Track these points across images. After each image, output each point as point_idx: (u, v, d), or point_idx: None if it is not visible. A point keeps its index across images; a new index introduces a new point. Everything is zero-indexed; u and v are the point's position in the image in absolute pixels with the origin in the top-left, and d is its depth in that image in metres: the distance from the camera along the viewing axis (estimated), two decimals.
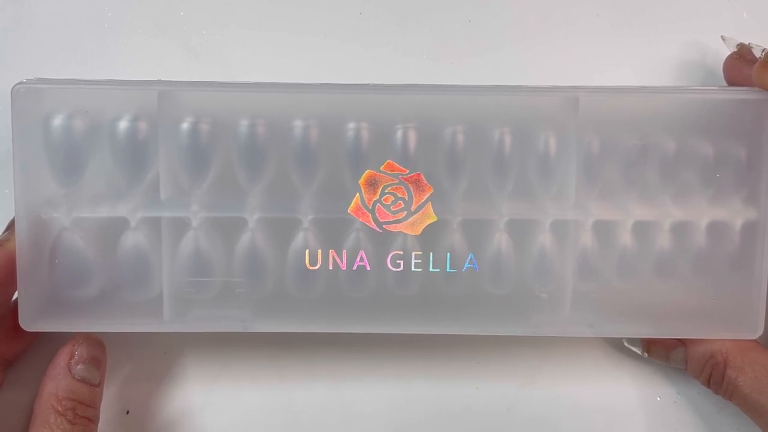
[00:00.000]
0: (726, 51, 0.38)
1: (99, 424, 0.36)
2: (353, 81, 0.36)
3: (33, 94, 0.34)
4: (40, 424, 0.34)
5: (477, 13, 0.41)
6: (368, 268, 0.36)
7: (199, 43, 0.40)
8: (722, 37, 0.39)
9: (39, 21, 0.40)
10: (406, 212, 0.36)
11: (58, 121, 0.35)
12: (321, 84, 0.35)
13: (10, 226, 0.36)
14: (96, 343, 0.36)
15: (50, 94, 0.35)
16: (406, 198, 0.36)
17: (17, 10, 0.40)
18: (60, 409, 0.34)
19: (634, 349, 0.39)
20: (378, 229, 0.36)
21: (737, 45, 0.38)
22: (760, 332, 0.37)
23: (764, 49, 0.37)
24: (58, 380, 0.35)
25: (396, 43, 0.41)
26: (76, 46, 0.40)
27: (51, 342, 0.39)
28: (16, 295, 0.36)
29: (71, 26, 0.40)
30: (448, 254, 0.36)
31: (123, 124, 0.35)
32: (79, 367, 0.35)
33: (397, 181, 0.36)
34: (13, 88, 0.34)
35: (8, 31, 0.40)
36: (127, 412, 0.40)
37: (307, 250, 0.36)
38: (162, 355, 0.40)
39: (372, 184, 0.35)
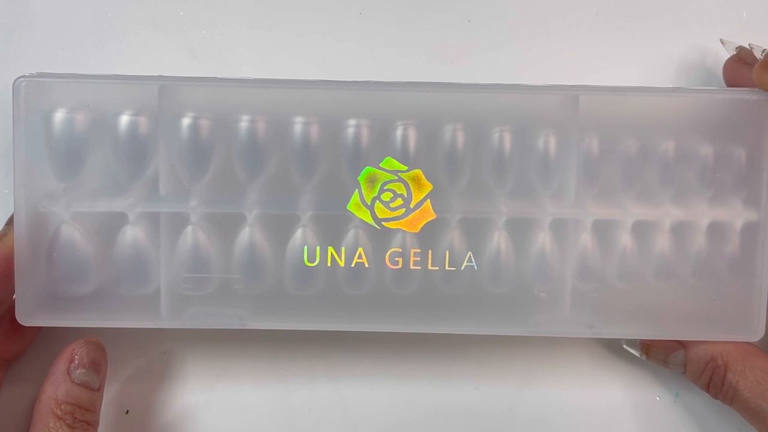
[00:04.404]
0: (726, 52, 0.39)
1: (99, 424, 0.36)
2: (353, 80, 0.36)
3: (34, 88, 0.34)
4: (39, 429, 0.34)
5: (477, 13, 0.41)
6: (367, 266, 0.36)
7: (199, 42, 0.41)
8: (721, 41, 0.39)
9: (39, 22, 0.40)
10: (405, 209, 0.36)
11: (58, 115, 0.35)
12: (322, 81, 0.35)
13: (10, 222, 0.36)
14: (96, 347, 0.36)
15: (51, 88, 0.35)
16: (405, 195, 0.36)
17: (17, 9, 0.40)
18: (59, 414, 0.34)
19: (632, 351, 0.39)
20: (377, 226, 0.36)
21: (736, 48, 0.38)
22: (760, 335, 0.37)
23: (764, 49, 0.37)
24: (58, 384, 0.35)
25: (396, 43, 0.41)
26: (75, 46, 0.40)
27: (51, 341, 0.39)
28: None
29: (71, 27, 0.40)
30: (447, 252, 0.36)
31: (123, 119, 0.35)
32: (78, 371, 0.35)
33: (397, 178, 0.36)
34: (14, 82, 0.34)
35: (9, 31, 0.40)
36: (127, 412, 0.40)
37: (306, 247, 0.36)
38: (161, 354, 0.40)
39: (371, 180, 0.36)
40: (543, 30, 0.41)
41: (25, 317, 0.35)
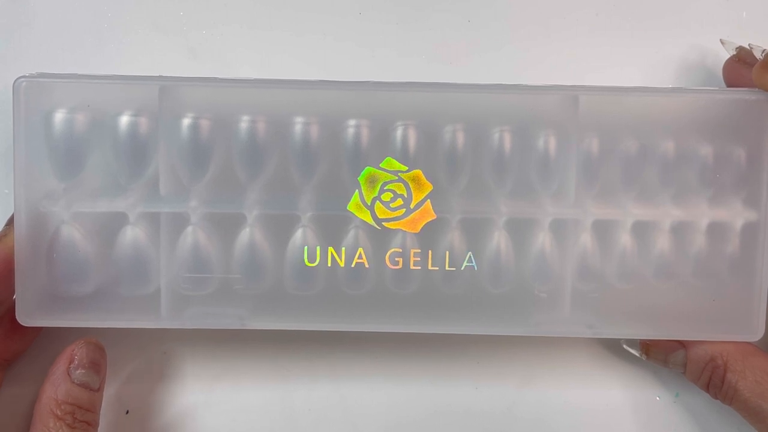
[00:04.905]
0: (726, 52, 0.39)
1: (99, 424, 0.36)
2: (353, 80, 0.36)
3: (34, 88, 0.34)
4: (39, 429, 0.34)
5: (477, 13, 0.41)
6: (367, 266, 0.36)
7: (199, 42, 0.41)
8: (721, 41, 0.39)
9: (39, 22, 0.40)
10: (405, 210, 0.36)
11: (59, 116, 0.35)
12: (322, 81, 0.35)
13: (10, 222, 0.36)
14: (96, 347, 0.36)
15: (51, 88, 0.35)
16: (406, 195, 0.36)
17: (17, 9, 0.40)
18: (59, 414, 0.34)
19: (632, 351, 0.39)
20: (377, 227, 0.36)
21: (736, 48, 0.38)
22: (760, 335, 0.37)
23: (764, 49, 0.37)
24: (58, 385, 0.35)
25: (396, 43, 0.41)
26: (75, 46, 0.40)
27: (51, 341, 0.39)
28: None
29: (71, 27, 0.40)
30: (447, 252, 0.36)
31: (124, 119, 0.35)
32: (78, 371, 0.35)
33: (397, 178, 0.36)
34: (14, 82, 0.34)
35: (8, 31, 0.40)
36: (127, 412, 0.40)
37: (306, 247, 0.36)
38: (161, 354, 0.40)
39: (371, 181, 0.36)
40: (543, 30, 0.41)
41: (25, 317, 0.35)
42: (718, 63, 0.40)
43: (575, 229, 0.36)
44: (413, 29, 0.41)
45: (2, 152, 0.39)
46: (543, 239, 0.36)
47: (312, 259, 0.36)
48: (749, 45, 0.38)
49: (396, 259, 0.36)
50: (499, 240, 0.36)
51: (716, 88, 0.38)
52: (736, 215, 0.37)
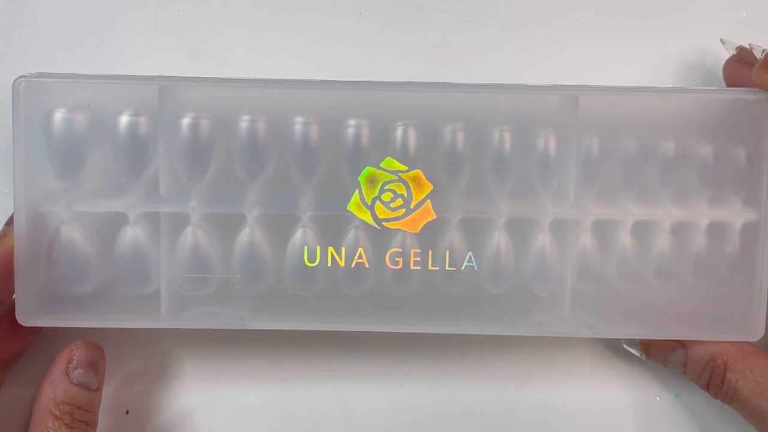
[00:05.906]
0: (726, 52, 0.39)
1: (99, 424, 0.36)
2: (353, 80, 0.36)
3: (34, 88, 0.34)
4: (38, 429, 0.34)
5: (477, 13, 0.41)
6: (367, 266, 0.36)
7: (199, 42, 0.41)
8: (721, 41, 0.39)
9: (39, 22, 0.40)
10: (405, 209, 0.36)
11: (58, 115, 0.35)
12: (322, 81, 0.35)
13: (10, 222, 0.36)
14: (95, 347, 0.36)
15: (51, 88, 0.35)
16: (406, 195, 0.36)
17: (17, 9, 0.40)
18: (57, 414, 0.34)
19: (632, 351, 0.39)
20: (377, 227, 0.36)
21: (736, 48, 0.38)
22: (760, 335, 0.37)
23: (764, 49, 0.37)
24: (56, 385, 0.35)
25: (396, 43, 0.41)
26: (75, 46, 0.40)
27: (50, 341, 0.39)
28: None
29: (71, 27, 0.40)
30: (447, 252, 0.36)
31: (123, 119, 0.35)
32: (77, 371, 0.35)
33: (397, 178, 0.36)
34: (13, 82, 0.34)
35: (8, 31, 0.40)
36: (127, 412, 0.40)
37: (306, 247, 0.36)
38: (161, 355, 0.40)
39: (371, 181, 0.36)
40: (543, 30, 0.41)
41: (25, 317, 0.35)
42: (718, 63, 0.40)
43: (575, 229, 0.36)
44: (413, 29, 0.41)
45: (2, 152, 0.39)
46: (543, 239, 0.36)
47: (312, 259, 0.36)
48: (749, 45, 0.38)
49: (396, 259, 0.36)
50: (499, 240, 0.36)
51: (716, 88, 0.38)
52: (736, 215, 0.37)
